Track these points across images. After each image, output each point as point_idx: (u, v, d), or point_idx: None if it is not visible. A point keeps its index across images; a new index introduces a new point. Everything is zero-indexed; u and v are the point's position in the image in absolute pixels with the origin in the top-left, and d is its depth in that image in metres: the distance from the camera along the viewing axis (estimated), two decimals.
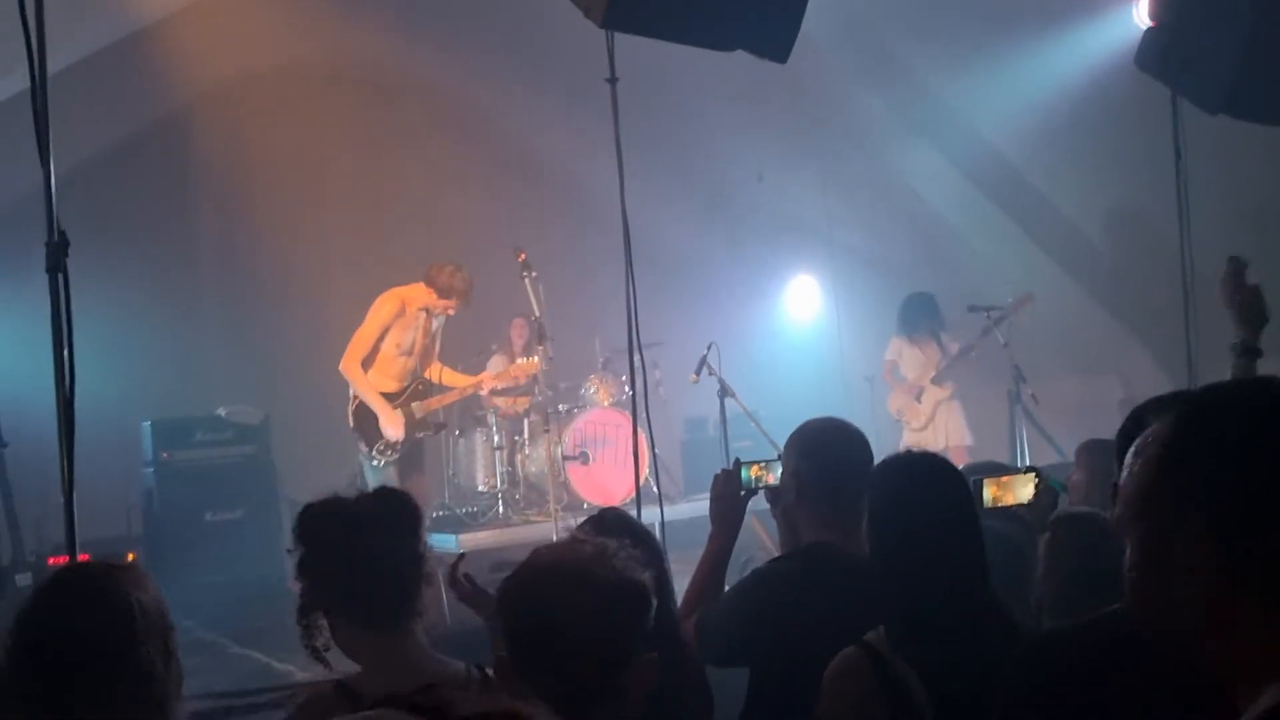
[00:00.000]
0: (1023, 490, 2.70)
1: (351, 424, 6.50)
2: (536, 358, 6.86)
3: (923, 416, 7.68)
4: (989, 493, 2.66)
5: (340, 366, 6.46)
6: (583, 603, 1.62)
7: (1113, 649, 1.60)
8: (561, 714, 1.55)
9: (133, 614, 1.88)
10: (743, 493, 2.85)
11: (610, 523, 2.48)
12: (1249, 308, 2.74)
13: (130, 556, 7.63)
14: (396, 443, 6.41)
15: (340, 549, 2.12)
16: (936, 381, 7.61)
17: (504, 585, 1.71)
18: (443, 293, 6.38)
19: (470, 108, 9.46)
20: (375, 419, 6.40)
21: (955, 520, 2.17)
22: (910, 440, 7.80)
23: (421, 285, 6.44)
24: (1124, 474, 1.18)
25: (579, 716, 1.57)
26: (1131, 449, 1.18)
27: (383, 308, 6.42)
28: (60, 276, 2.96)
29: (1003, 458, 6.63)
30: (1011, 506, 2.70)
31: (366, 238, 8.96)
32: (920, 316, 7.70)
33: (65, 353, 2.94)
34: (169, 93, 8.05)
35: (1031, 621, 2.44)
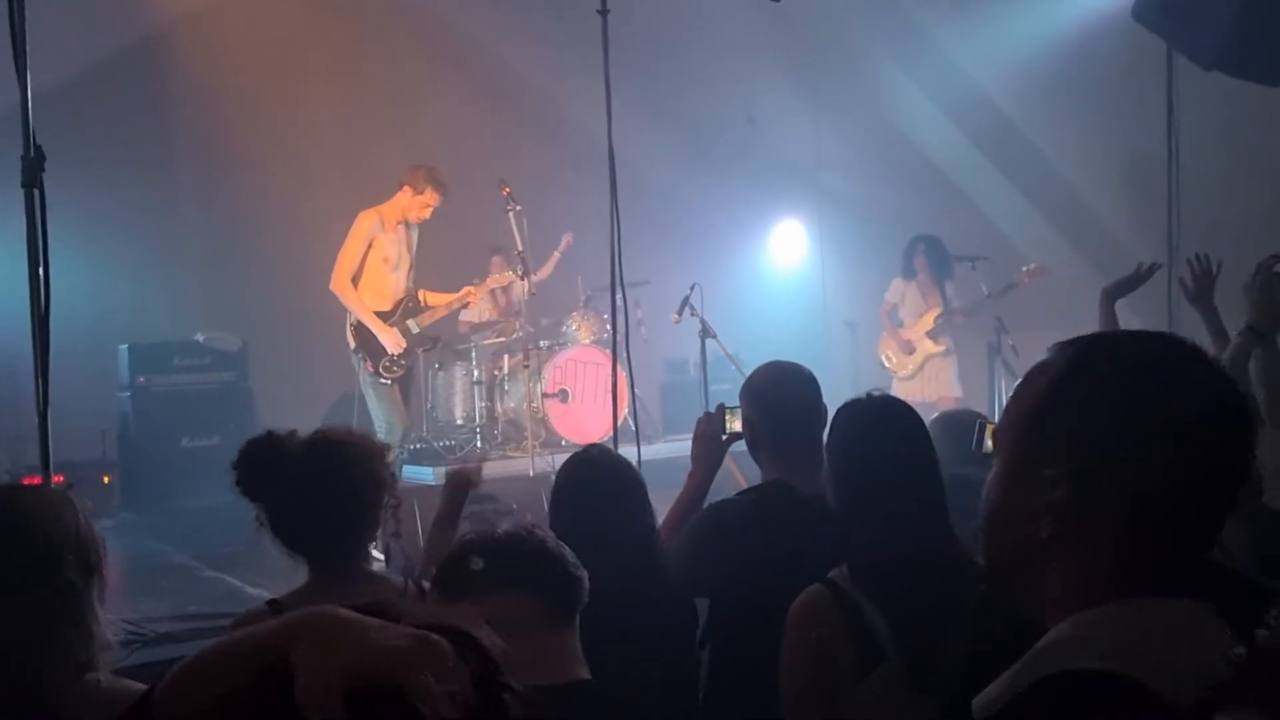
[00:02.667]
0: None
1: (353, 344, 6.28)
2: (523, 280, 6.75)
3: (910, 367, 7.64)
4: (991, 439, 2.70)
5: (331, 287, 6.28)
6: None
7: None
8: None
9: (45, 534, 1.88)
10: (724, 436, 2.92)
11: (595, 457, 2.56)
12: (1275, 300, 2.85)
13: (106, 479, 7.65)
14: (400, 357, 6.33)
15: (271, 492, 2.17)
16: (932, 335, 7.53)
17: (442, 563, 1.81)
18: (424, 188, 6.24)
19: (455, 31, 9.30)
20: (374, 337, 6.31)
21: (914, 459, 2.20)
22: (898, 389, 7.77)
23: (397, 196, 6.33)
24: (1009, 399, 1.23)
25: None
26: (1022, 378, 1.23)
27: (362, 223, 6.31)
28: (36, 192, 2.90)
29: (981, 408, 6.66)
30: None
31: (346, 163, 8.83)
32: (928, 258, 7.55)
33: (40, 270, 2.89)
34: (149, 12, 7.90)
35: None
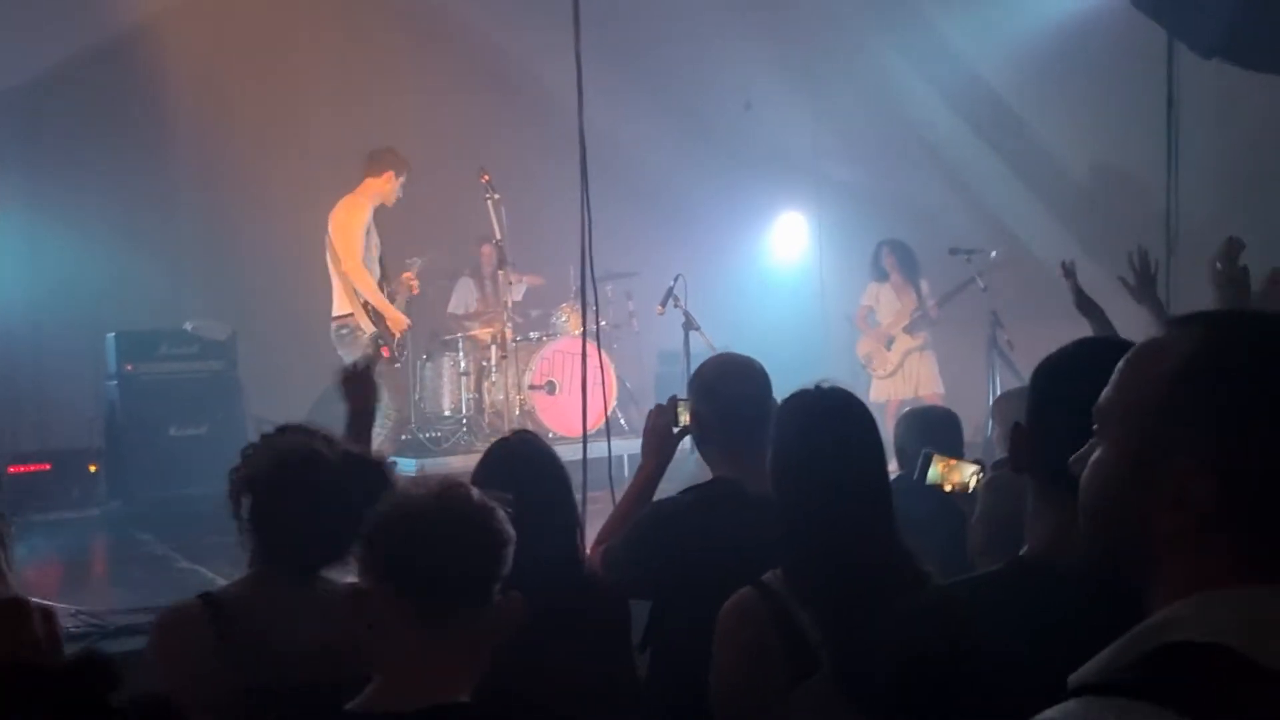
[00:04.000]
0: (967, 474, 2.64)
1: (367, 329, 6.25)
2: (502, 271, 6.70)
3: (890, 364, 7.65)
4: (936, 468, 2.64)
5: (345, 269, 6.23)
6: (442, 542, 1.57)
7: (1010, 603, 1.53)
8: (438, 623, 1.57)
9: None
10: (675, 429, 2.82)
11: (514, 446, 2.47)
12: (1238, 286, 2.75)
13: (92, 468, 7.59)
14: (402, 339, 6.35)
15: (279, 494, 2.08)
16: (909, 330, 7.56)
17: (373, 521, 1.66)
18: (403, 169, 6.34)
19: (441, 14, 9.21)
20: (383, 320, 6.26)
21: (858, 457, 2.08)
22: (877, 387, 7.75)
23: (379, 181, 6.31)
24: (1115, 381, 1.14)
25: (453, 626, 1.57)
26: (1126, 358, 1.14)
27: (361, 209, 6.33)
28: None
29: (978, 402, 6.56)
30: (953, 490, 2.65)
31: (336, 152, 8.77)
32: (896, 258, 7.66)
33: None
34: (144, 2, 7.83)
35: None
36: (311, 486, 2.05)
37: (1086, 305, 3.45)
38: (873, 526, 2.04)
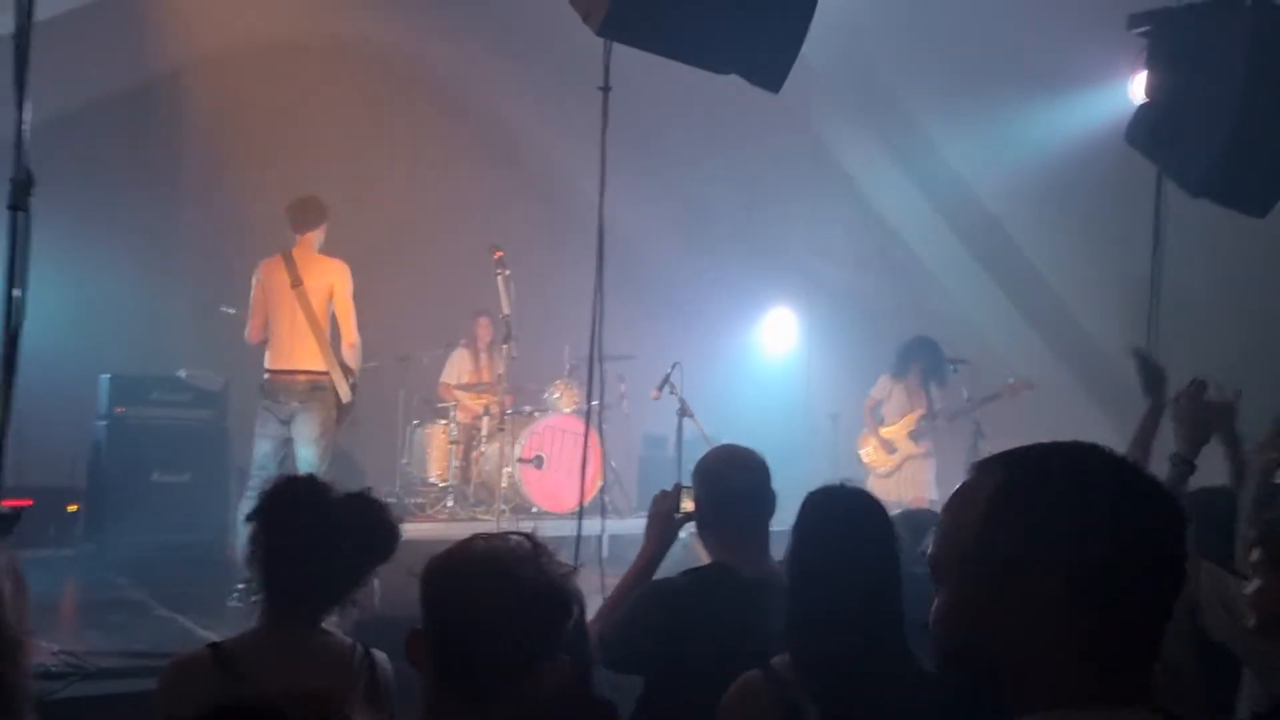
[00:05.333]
0: None
1: (348, 399, 6.29)
2: (505, 345, 6.80)
3: (889, 465, 7.57)
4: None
5: (356, 339, 6.34)
6: (504, 597, 1.62)
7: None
8: (465, 700, 1.61)
9: None
10: (677, 515, 2.91)
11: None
12: (1197, 426, 2.94)
13: (71, 508, 7.57)
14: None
15: (292, 530, 2.16)
16: (914, 437, 7.50)
17: (431, 562, 1.71)
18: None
19: (461, 95, 9.46)
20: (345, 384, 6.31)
21: (877, 559, 2.17)
22: (874, 486, 7.70)
23: (318, 235, 6.43)
24: (938, 533, 1.25)
25: (480, 706, 1.61)
26: (944, 508, 1.25)
27: (350, 277, 6.40)
28: (22, 215, 2.92)
29: None
30: None
31: (344, 215, 8.92)
32: (922, 362, 7.52)
33: (17, 292, 2.89)
34: (163, 52, 8.03)
35: None
36: (313, 528, 2.13)
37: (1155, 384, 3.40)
38: (882, 628, 2.12)
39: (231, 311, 6.90)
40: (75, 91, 8.13)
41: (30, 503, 7.29)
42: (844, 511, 2.24)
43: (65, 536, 7.37)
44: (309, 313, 6.25)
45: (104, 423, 7.72)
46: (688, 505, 2.86)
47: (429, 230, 9.16)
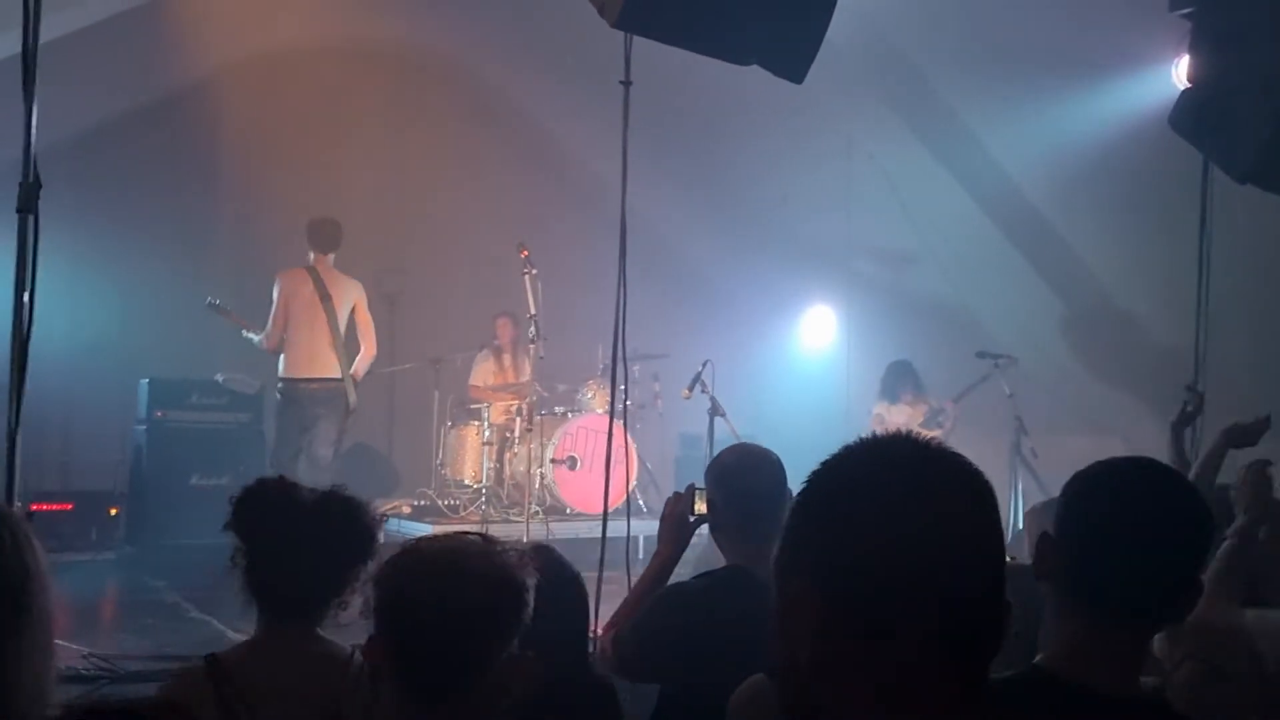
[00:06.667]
0: None
1: (355, 404, 6.78)
2: (533, 344, 6.96)
3: None
4: None
5: (375, 351, 6.91)
6: (452, 591, 1.59)
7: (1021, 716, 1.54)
8: (432, 699, 1.59)
9: None
10: (691, 517, 2.84)
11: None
12: (1265, 508, 2.92)
13: (112, 511, 7.65)
14: None
15: (268, 534, 2.12)
16: (925, 428, 7.52)
17: (389, 565, 1.69)
18: None
19: (491, 96, 9.45)
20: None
21: None
22: None
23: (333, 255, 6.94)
24: None
25: (447, 703, 1.60)
26: None
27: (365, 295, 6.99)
28: (31, 218, 2.91)
29: (1001, 511, 6.52)
30: None
31: (377, 218, 8.96)
32: (899, 383, 7.89)
33: (26, 295, 2.88)
34: (195, 60, 8.09)
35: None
36: (288, 529, 2.11)
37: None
38: None
39: (218, 303, 7.15)
40: (114, 100, 8.24)
41: (70, 507, 7.39)
42: None
43: (106, 540, 7.47)
44: (333, 325, 6.65)
45: (143, 427, 7.82)
46: (701, 507, 2.79)
47: (461, 232, 9.16)
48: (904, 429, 1.21)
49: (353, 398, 6.66)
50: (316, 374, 6.64)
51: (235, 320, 7.03)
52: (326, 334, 6.62)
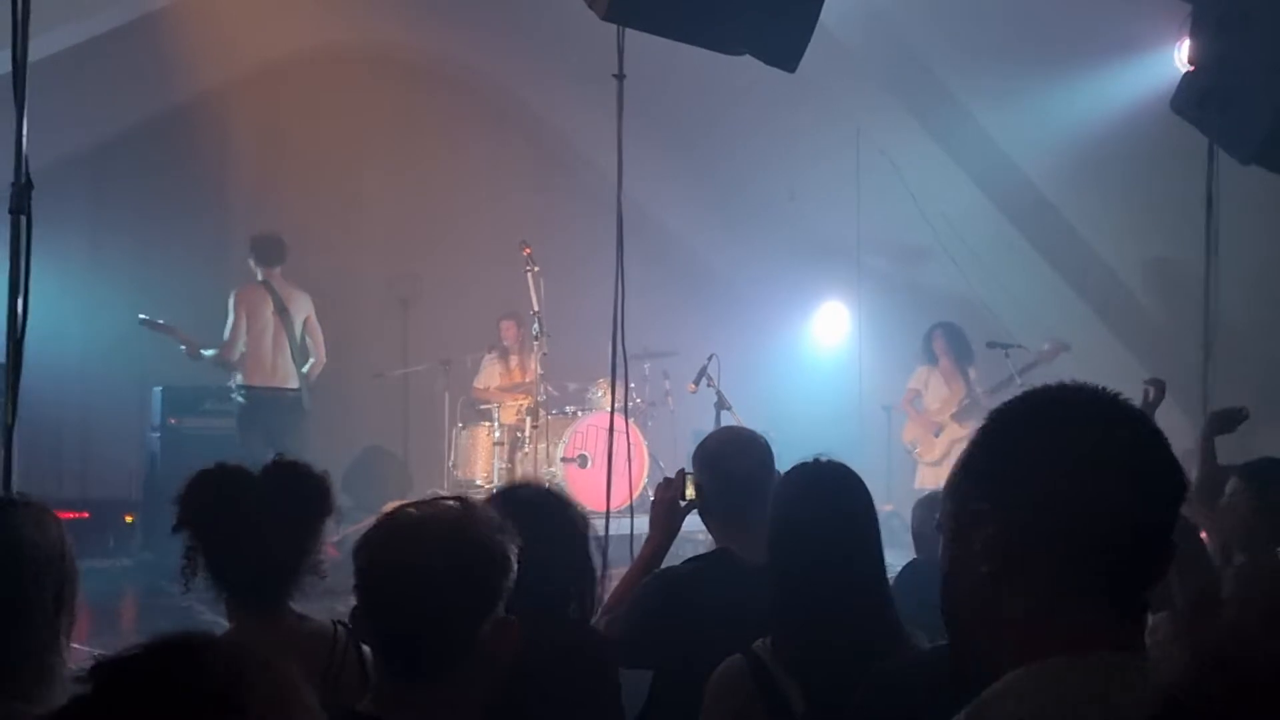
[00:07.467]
0: None
1: (309, 408, 7.44)
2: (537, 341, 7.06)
3: (937, 452, 7.54)
4: None
5: (325, 358, 7.51)
6: (428, 557, 1.57)
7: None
8: (416, 667, 1.57)
9: (20, 552, 1.80)
10: (682, 502, 2.84)
11: (520, 494, 2.40)
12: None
13: (128, 518, 7.72)
14: None
15: (219, 520, 2.13)
16: (957, 419, 7.47)
17: (364, 535, 1.67)
18: None
19: (503, 97, 9.47)
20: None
21: (850, 534, 2.10)
22: (923, 474, 7.67)
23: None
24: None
25: (431, 670, 1.58)
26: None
27: None
28: (23, 219, 2.93)
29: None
30: None
31: (389, 217, 8.99)
32: (948, 347, 7.61)
33: (20, 298, 2.90)
34: (211, 69, 8.16)
35: None
36: (238, 509, 2.10)
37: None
38: (861, 599, 2.05)
39: (160, 321, 7.40)
40: (129, 111, 8.31)
41: (87, 515, 7.46)
42: (818, 484, 2.17)
43: (123, 547, 7.53)
44: (291, 336, 7.16)
45: (157, 434, 7.86)
46: (691, 492, 2.79)
47: (472, 234, 9.18)
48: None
49: (307, 402, 7.17)
50: (279, 383, 7.18)
51: (180, 337, 7.27)
52: (285, 345, 7.15)
